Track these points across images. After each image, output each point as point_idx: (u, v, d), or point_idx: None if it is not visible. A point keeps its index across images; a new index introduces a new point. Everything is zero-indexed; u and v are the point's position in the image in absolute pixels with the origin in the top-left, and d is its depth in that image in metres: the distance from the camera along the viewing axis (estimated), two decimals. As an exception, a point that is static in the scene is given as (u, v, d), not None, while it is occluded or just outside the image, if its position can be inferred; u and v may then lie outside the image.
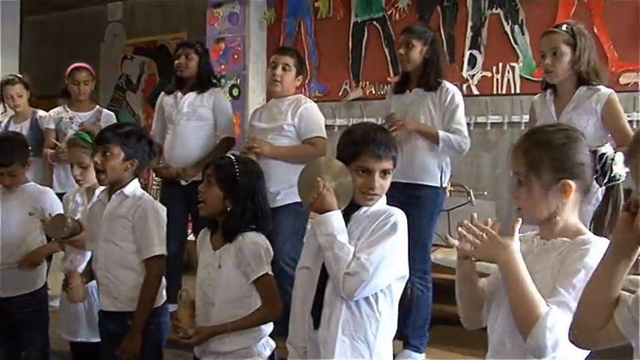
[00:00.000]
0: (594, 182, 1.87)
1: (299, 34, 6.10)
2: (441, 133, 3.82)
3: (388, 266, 2.16)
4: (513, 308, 1.72)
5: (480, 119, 5.27)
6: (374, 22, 5.75)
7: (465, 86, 5.33)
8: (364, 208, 2.27)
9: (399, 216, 2.23)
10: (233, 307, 2.62)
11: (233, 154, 2.86)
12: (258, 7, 6.22)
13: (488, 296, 1.96)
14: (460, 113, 3.89)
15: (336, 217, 2.20)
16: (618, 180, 1.85)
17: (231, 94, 6.15)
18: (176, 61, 4.71)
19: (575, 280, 1.69)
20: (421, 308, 3.93)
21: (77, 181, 3.46)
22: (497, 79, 5.28)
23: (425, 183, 3.88)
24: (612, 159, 1.84)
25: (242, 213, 2.67)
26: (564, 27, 3.42)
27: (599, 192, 1.93)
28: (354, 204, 2.27)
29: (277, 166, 3.99)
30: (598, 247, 1.74)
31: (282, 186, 4.00)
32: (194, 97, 4.65)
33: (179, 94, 4.71)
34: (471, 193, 4.29)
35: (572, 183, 1.81)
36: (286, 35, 6.15)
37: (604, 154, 1.85)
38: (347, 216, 2.26)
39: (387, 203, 3.66)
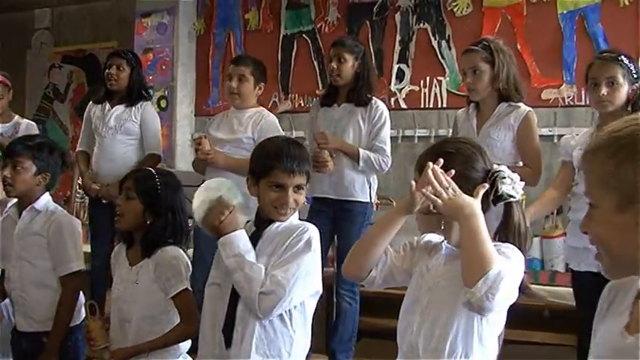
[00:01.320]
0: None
1: (229, 45, 6.04)
2: (362, 153, 3.83)
3: (303, 283, 2.14)
4: (468, 258, 1.71)
5: (408, 133, 5.31)
6: (303, 35, 5.75)
7: (393, 100, 5.37)
8: (277, 224, 2.25)
9: (313, 231, 2.21)
10: (151, 323, 2.57)
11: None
12: (188, 18, 6.14)
13: (390, 267, 1.99)
14: (386, 132, 3.92)
15: (241, 237, 2.17)
16: (507, 199, 1.87)
17: (158, 105, 6.04)
18: (106, 71, 4.54)
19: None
20: (348, 322, 3.93)
21: None
22: (424, 93, 5.33)
23: (355, 199, 3.89)
24: (503, 177, 1.86)
25: (164, 227, 2.63)
26: (482, 44, 3.45)
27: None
28: (267, 219, 2.25)
29: (232, 178, 3.90)
30: (513, 250, 1.80)
31: None
32: (122, 111, 4.50)
33: (107, 105, 4.55)
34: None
35: None
36: (216, 46, 6.09)
37: (496, 171, 1.88)
38: (259, 232, 2.24)
39: (317, 218, 3.71)
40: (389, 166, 3.94)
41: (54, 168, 2.95)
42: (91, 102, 4.78)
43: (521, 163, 3.41)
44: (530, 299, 3.92)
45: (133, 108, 4.51)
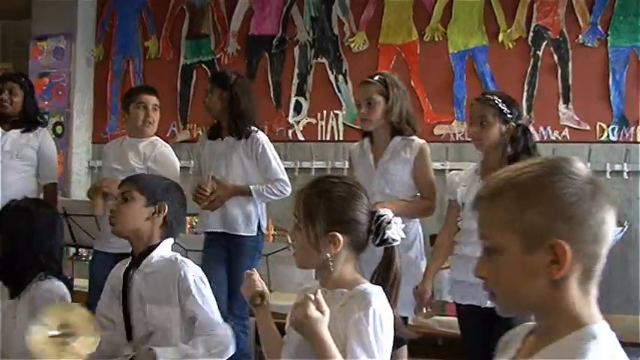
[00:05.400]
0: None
1: (127, 72, 5.99)
2: (253, 189, 3.81)
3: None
4: None
5: (305, 164, 5.38)
6: (203, 65, 5.77)
7: (290, 132, 5.46)
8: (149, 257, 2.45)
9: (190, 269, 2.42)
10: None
11: None
12: (86, 43, 6.04)
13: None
14: (274, 163, 3.88)
15: None
16: (391, 243, 1.91)
17: (54, 131, 5.90)
18: None
19: (368, 343, 1.75)
20: (237, 353, 3.91)
21: None
22: (321, 126, 5.44)
23: (240, 234, 3.88)
24: (388, 222, 1.89)
25: (32, 262, 2.62)
26: (378, 77, 3.52)
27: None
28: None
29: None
30: (378, 295, 1.81)
31: None
32: (19, 136, 4.32)
33: (0, 129, 4.43)
34: (289, 239, 4.33)
35: (341, 237, 1.85)
36: (114, 73, 6.02)
37: (381, 215, 1.91)
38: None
39: (212, 247, 3.78)
40: (290, 189, 3.87)
41: None
42: None
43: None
44: (424, 329, 4.08)
45: (31, 134, 4.35)
